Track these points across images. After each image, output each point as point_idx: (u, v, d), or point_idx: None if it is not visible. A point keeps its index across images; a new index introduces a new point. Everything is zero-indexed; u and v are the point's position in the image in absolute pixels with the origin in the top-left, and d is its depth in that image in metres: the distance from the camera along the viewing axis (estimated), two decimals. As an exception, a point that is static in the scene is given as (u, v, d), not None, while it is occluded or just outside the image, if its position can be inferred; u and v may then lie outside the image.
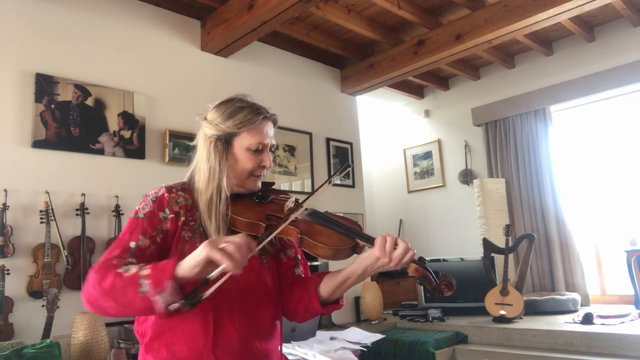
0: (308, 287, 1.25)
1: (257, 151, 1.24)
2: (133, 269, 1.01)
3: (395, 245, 1.13)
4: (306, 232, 1.19)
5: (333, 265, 4.09)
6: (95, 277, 1.04)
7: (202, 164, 1.24)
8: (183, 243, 1.17)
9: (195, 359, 1.12)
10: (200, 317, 1.13)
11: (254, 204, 1.26)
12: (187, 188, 1.26)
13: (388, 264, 1.13)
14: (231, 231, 1.21)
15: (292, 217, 1.18)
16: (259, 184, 1.30)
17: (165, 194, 1.21)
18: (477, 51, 4.09)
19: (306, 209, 1.24)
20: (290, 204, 1.26)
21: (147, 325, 1.16)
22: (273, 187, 1.39)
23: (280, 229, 1.16)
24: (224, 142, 1.24)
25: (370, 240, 1.17)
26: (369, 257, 1.16)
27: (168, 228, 1.17)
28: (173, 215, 1.18)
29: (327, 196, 4.19)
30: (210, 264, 0.96)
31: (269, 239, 1.14)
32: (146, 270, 1.00)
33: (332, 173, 4.39)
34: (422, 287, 1.19)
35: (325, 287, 1.23)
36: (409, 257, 1.13)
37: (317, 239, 1.17)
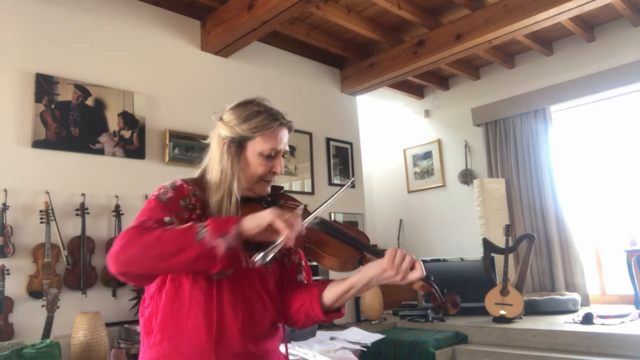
0: (311, 294, 1.25)
1: (270, 157, 1.24)
2: (187, 224, 1.04)
3: (403, 259, 1.13)
4: (314, 242, 1.18)
5: (333, 272, 4.09)
6: (133, 232, 1.03)
7: (215, 164, 1.24)
8: None
9: (197, 355, 1.12)
10: (204, 314, 1.13)
11: (262, 209, 1.26)
12: (199, 184, 1.26)
13: (394, 277, 1.12)
14: None
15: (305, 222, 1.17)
16: (269, 189, 1.30)
17: (184, 185, 1.21)
18: (477, 51, 4.09)
19: (315, 217, 1.24)
20: (299, 211, 1.26)
21: (153, 322, 1.16)
22: (282, 191, 1.38)
23: (279, 243, 1.15)
24: (237, 145, 1.23)
25: (378, 254, 1.16)
26: (376, 268, 1.15)
27: (186, 217, 1.15)
28: (191, 206, 1.18)
29: (327, 196, 4.18)
30: (268, 229, 1.05)
31: (274, 249, 1.15)
32: (202, 223, 1.04)
33: (332, 174, 4.39)
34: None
35: (329, 295, 1.22)
36: (416, 274, 1.13)
37: (324, 249, 1.17)
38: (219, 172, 1.22)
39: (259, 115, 1.23)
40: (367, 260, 1.18)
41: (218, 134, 1.26)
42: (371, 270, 1.16)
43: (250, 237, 1.05)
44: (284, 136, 1.27)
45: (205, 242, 1.00)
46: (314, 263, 1.23)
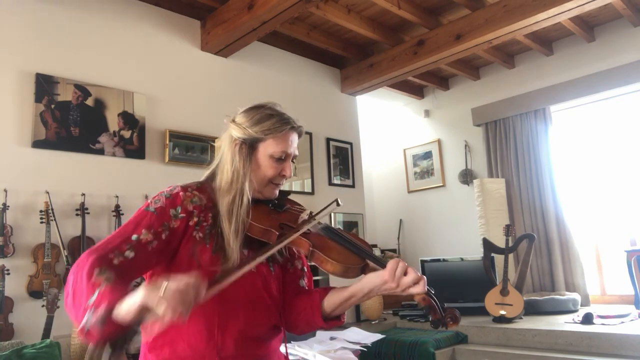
0: (312, 300, 1.25)
1: (280, 159, 1.25)
2: (101, 277, 0.95)
3: (405, 272, 1.13)
4: (318, 246, 1.18)
5: (333, 278, 4.09)
6: (84, 262, 1.02)
7: (227, 165, 1.24)
8: (194, 244, 1.16)
9: (197, 359, 1.12)
10: (205, 318, 1.13)
11: (269, 210, 1.27)
12: (203, 188, 1.26)
13: (395, 289, 1.13)
14: (246, 236, 1.21)
15: (302, 230, 1.18)
16: (277, 192, 1.31)
17: (180, 193, 1.20)
18: (477, 51, 4.09)
19: (319, 223, 1.25)
20: (304, 215, 1.27)
21: None
22: (288, 197, 1.39)
23: (284, 243, 1.15)
24: (249, 146, 1.24)
25: (381, 263, 1.17)
26: (377, 279, 1.15)
27: (177, 227, 1.16)
28: (184, 215, 1.17)
29: (327, 197, 4.19)
30: (146, 310, 0.84)
31: (275, 249, 1.14)
32: (106, 285, 0.93)
33: (332, 174, 4.39)
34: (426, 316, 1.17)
35: (329, 302, 1.23)
36: (418, 289, 1.13)
37: (328, 254, 1.17)
38: (230, 173, 1.23)
39: (271, 118, 1.25)
40: (370, 269, 1.18)
41: (230, 135, 1.27)
42: (372, 280, 1.16)
43: (130, 323, 0.85)
44: (294, 140, 1.29)
45: (87, 308, 0.89)
46: (316, 278, 1.23)
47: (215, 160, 1.30)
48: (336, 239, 1.23)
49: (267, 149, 1.24)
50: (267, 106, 1.28)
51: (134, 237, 1.09)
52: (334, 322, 1.26)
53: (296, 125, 1.29)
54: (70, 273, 1.03)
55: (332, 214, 4.18)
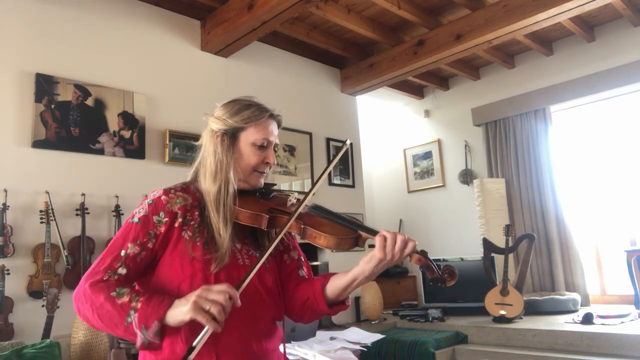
0: (314, 289, 1.26)
1: (262, 147, 1.27)
2: (126, 297, 1.06)
3: (394, 245, 1.15)
4: (310, 224, 1.20)
5: (332, 266, 4.09)
6: (88, 290, 1.08)
7: (209, 158, 1.26)
8: (184, 244, 1.17)
9: (196, 357, 1.11)
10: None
11: (256, 198, 1.29)
12: (188, 188, 1.27)
13: (392, 260, 1.17)
14: (235, 224, 1.22)
15: (297, 214, 1.19)
16: (262, 181, 1.32)
17: (162, 197, 1.21)
18: (477, 51, 4.10)
19: (306, 206, 1.26)
20: (293, 199, 1.29)
21: None
22: (274, 187, 1.41)
23: (287, 227, 1.17)
24: (231, 137, 1.26)
25: (372, 232, 1.20)
26: (372, 261, 1.18)
27: (162, 232, 1.17)
28: (168, 219, 1.18)
29: (327, 196, 4.19)
30: (195, 322, 1.01)
31: (282, 233, 1.16)
32: (137, 303, 1.04)
33: (332, 174, 4.39)
34: (422, 286, 1.22)
35: (332, 289, 1.25)
36: (409, 249, 1.17)
37: (320, 229, 1.19)
38: (214, 165, 1.24)
39: (249, 107, 1.28)
40: (362, 239, 1.21)
41: (210, 130, 1.29)
42: (369, 263, 1.19)
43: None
44: (274, 128, 1.31)
45: (131, 327, 1.04)
46: (315, 263, 1.24)
47: (197, 158, 1.32)
48: (326, 216, 1.25)
49: (249, 137, 1.26)
50: (244, 98, 1.32)
51: (123, 252, 1.13)
52: (339, 307, 1.28)
53: (275, 114, 1.31)
54: (81, 298, 1.10)
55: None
